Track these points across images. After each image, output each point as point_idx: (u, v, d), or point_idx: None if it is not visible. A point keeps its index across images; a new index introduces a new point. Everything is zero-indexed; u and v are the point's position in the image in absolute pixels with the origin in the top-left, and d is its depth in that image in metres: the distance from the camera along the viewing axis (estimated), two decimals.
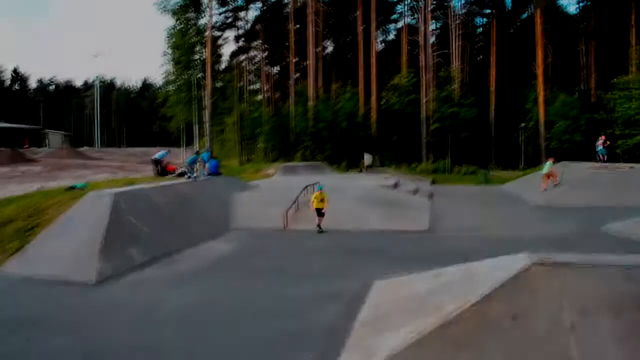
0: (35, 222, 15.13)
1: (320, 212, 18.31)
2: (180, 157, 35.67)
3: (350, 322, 8.62)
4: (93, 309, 10.30)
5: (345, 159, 45.40)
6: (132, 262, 13.41)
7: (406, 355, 6.31)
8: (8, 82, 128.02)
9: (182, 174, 24.35)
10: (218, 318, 9.60)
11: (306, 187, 21.88)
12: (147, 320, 9.57)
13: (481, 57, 53.79)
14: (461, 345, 6.19)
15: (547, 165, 26.68)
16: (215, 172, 25.38)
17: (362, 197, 21.96)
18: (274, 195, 22.47)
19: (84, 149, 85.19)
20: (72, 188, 19.42)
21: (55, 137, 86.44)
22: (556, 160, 28.29)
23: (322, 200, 18.34)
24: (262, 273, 12.54)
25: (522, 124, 43.52)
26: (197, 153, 26.39)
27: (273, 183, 29.42)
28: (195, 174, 23.06)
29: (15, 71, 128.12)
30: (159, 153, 27.31)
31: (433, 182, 37.19)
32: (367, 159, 42.79)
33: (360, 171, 40.76)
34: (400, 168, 42.58)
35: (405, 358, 6.29)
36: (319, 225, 18.26)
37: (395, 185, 27.29)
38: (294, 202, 20.21)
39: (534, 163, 41.61)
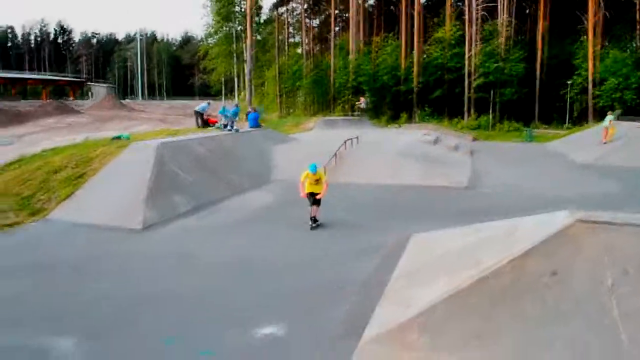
0: (83, 171, 15.62)
1: (314, 199, 12.61)
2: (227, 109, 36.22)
3: (387, 275, 8.72)
4: (138, 254, 10.70)
5: (385, 113, 44.89)
6: (177, 211, 13.81)
7: (443, 308, 6.35)
8: (53, 36, 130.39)
9: (224, 127, 24.60)
10: (257, 267, 9.86)
11: (346, 141, 21.81)
12: (190, 266, 9.91)
13: (529, 10, 51.53)
14: (499, 300, 6.19)
15: (609, 118, 26.34)
16: (255, 125, 25.55)
17: (401, 152, 21.78)
18: (314, 148, 22.50)
19: (127, 101, 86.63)
20: (117, 138, 19.93)
21: (99, 89, 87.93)
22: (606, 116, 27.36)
23: (317, 182, 12.63)
24: (302, 225, 12.72)
25: (570, 81, 41.85)
26: (237, 106, 26.58)
27: (312, 136, 29.44)
28: (236, 127, 23.28)
29: (59, 24, 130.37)
30: (200, 105, 27.56)
31: (475, 139, 36.49)
32: (363, 102, 43.00)
33: (399, 126, 40.25)
34: (441, 123, 41.81)
35: (442, 311, 6.34)
36: (312, 218, 12.69)
37: (436, 141, 26.91)
38: (333, 155, 20.21)
39: (580, 121, 40.19)
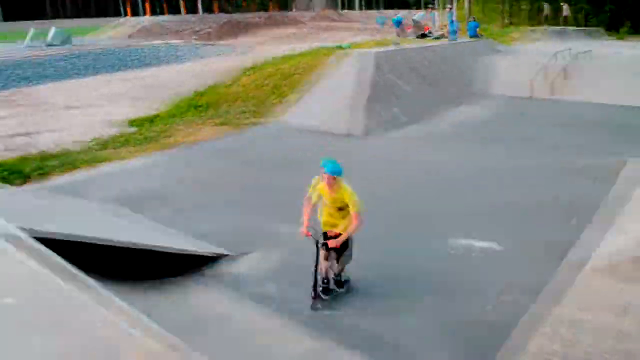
0: (308, 78, 16.69)
1: (326, 244, 5.80)
2: (436, 20, 34.84)
3: (599, 199, 8.20)
4: (357, 157, 11.33)
5: (625, 23, 39.02)
6: (393, 120, 14.15)
7: None
8: None
9: (441, 36, 23.88)
10: (464, 177, 9.90)
11: (556, 53, 19.59)
12: (400, 173, 10.28)
13: None
14: None
15: None
16: (474, 35, 24.33)
17: None
18: (538, 59, 20.75)
19: (345, 12, 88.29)
20: (339, 48, 20.69)
21: (318, 1, 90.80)
22: None
23: (338, 209, 5.86)
24: (520, 142, 12.13)
25: None
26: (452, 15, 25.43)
27: (537, 48, 27.07)
28: (454, 36, 22.46)
29: None
30: (417, 14, 27.05)
31: None
32: (565, 9, 37.39)
33: None
34: None
35: None
36: (323, 283, 6.04)
37: None
38: (542, 69, 18.39)
39: None
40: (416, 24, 26.41)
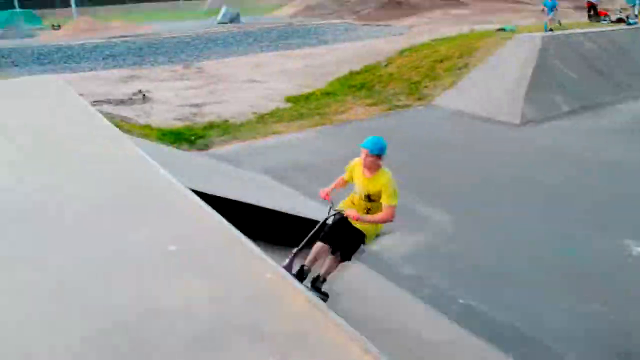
0: (465, 62, 16.10)
1: (339, 219, 4.72)
2: (615, 1, 31.39)
3: None
4: (514, 146, 10.81)
5: None
6: (556, 109, 13.19)
7: None
8: None
9: (619, 20, 21.60)
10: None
11: None
12: (562, 166, 9.59)
13: None
14: None
15: None
16: None
17: None
18: None
19: None
20: (502, 30, 19.68)
21: None
22: None
23: (367, 199, 4.58)
24: None
25: None
26: None
27: None
28: (635, 21, 20.16)
29: None
30: None
31: None
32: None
33: None
34: None
35: None
36: (314, 280, 4.74)
37: None
38: None
39: None
40: (590, 5, 24.09)
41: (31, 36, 40.97)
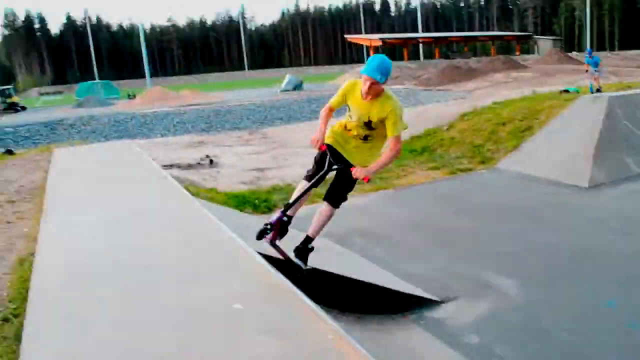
0: (529, 124, 15.91)
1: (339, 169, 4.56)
2: None
3: None
4: (583, 212, 10.42)
5: None
6: (626, 171, 12.71)
7: None
8: None
9: None
10: None
11: None
12: (634, 232, 9.09)
13: None
14: None
15: None
16: None
17: None
18: None
19: (574, 54, 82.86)
20: (566, 91, 19.47)
21: (544, 43, 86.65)
22: None
23: (366, 126, 4.19)
24: None
25: None
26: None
27: None
28: None
29: None
30: None
31: None
32: None
33: None
34: None
35: None
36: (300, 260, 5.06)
37: None
38: None
39: None
40: None
41: (109, 104, 44.02)
